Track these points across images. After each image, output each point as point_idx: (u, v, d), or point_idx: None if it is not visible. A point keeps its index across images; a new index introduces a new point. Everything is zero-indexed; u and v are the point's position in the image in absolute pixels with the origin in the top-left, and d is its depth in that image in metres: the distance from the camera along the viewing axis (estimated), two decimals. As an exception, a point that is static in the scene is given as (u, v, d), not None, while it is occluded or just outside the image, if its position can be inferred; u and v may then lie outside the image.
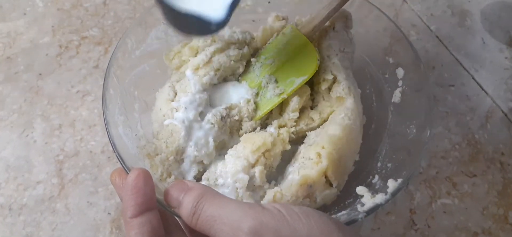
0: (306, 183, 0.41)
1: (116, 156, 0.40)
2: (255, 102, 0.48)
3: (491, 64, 0.67)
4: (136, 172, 0.33)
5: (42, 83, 0.61)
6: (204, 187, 0.34)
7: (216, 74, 0.48)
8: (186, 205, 0.32)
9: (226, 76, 0.51)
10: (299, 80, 0.48)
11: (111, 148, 0.42)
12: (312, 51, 0.48)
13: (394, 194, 0.39)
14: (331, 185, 0.43)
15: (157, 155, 0.44)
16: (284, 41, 0.50)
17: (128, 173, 0.34)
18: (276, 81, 0.49)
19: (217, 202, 0.31)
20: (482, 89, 0.64)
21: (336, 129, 0.44)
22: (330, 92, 0.48)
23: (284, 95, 0.48)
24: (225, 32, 0.51)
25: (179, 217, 0.34)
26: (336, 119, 0.45)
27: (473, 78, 0.65)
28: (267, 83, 0.49)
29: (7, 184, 0.53)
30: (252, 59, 0.51)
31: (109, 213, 0.51)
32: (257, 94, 0.49)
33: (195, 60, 0.49)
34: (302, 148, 0.45)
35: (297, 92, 0.48)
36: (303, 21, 0.52)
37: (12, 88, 0.61)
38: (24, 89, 0.61)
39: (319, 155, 0.42)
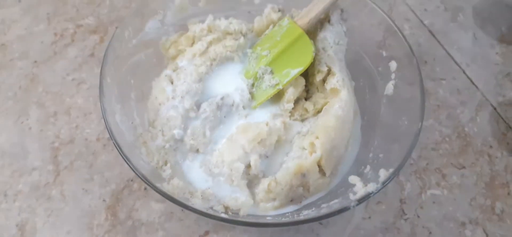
0: (300, 172, 0.42)
1: (113, 143, 0.41)
2: (250, 93, 0.49)
3: (482, 59, 0.68)
4: None
5: (37, 70, 0.61)
6: None
7: (212, 64, 0.49)
8: None
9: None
10: (295, 71, 0.49)
11: (108, 136, 0.42)
12: (308, 44, 0.49)
13: (385, 183, 0.40)
14: (324, 174, 0.43)
15: (153, 142, 0.45)
16: (280, 33, 0.51)
17: (126, 159, 0.34)
18: (271, 72, 0.50)
19: None
20: (473, 83, 0.65)
21: (330, 120, 0.45)
22: (325, 84, 0.49)
23: (280, 86, 0.49)
24: (222, 22, 0.51)
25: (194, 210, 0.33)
26: (330, 110, 0.46)
27: (464, 72, 0.66)
28: (263, 74, 0.49)
29: (2, 170, 0.53)
30: (248, 50, 0.51)
31: (104, 200, 0.51)
32: (252, 84, 0.50)
33: (192, 50, 0.49)
34: (296, 138, 0.46)
35: (292, 83, 0.49)
36: (299, 13, 0.53)
37: (7, 75, 0.61)
38: (19, 76, 0.61)
39: (313, 144, 0.43)
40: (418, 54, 0.67)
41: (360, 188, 0.41)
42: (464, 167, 0.56)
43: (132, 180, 0.52)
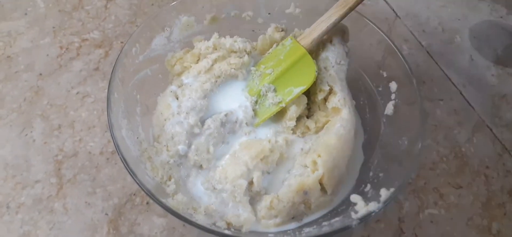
0: (302, 189, 0.43)
1: (120, 158, 0.41)
2: (254, 110, 0.50)
3: (478, 81, 0.69)
4: None
5: (42, 83, 0.62)
6: None
7: (216, 81, 0.50)
8: None
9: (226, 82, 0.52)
10: (298, 90, 0.50)
11: (111, 149, 0.42)
12: (311, 63, 0.50)
13: (386, 202, 0.41)
14: (326, 192, 0.44)
15: (158, 157, 0.45)
16: (284, 52, 0.52)
17: (132, 173, 0.35)
18: (275, 90, 0.51)
19: None
20: (470, 104, 0.66)
21: (332, 138, 0.46)
22: (326, 103, 0.50)
23: (283, 104, 0.50)
24: (227, 40, 0.53)
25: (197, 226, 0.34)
26: (332, 129, 0.47)
27: (461, 93, 0.67)
28: (266, 92, 0.50)
29: (5, 182, 0.53)
30: (252, 68, 0.53)
31: (106, 214, 0.51)
32: (256, 102, 0.51)
33: (197, 67, 0.50)
34: (297, 155, 0.47)
35: (294, 101, 0.50)
36: (301, 33, 0.54)
37: (12, 87, 0.61)
38: (24, 88, 0.61)
39: (315, 162, 0.44)
40: (416, 74, 0.68)
41: (361, 207, 0.41)
42: (461, 187, 0.57)
43: (134, 194, 0.53)
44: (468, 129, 0.63)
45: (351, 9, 0.49)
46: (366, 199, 0.42)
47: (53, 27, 0.69)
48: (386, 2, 0.79)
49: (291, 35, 0.54)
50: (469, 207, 0.56)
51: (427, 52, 0.73)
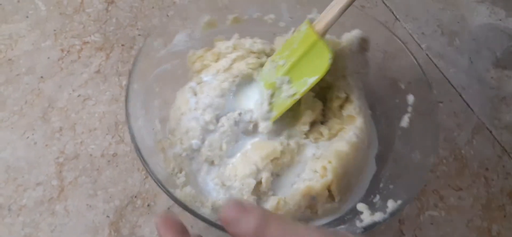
0: (309, 194, 0.43)
1: (134, 146, 0.42)
2: (270, 104, 0.49)
3: (478, 83, 0.70)
4: (163, 215, 0.34)
5: (43, 86, 0.62)
6: (265, 210, 0.32)
7: (234, 81, 0.50)
8: (246, 227, 0.30)
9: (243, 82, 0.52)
10: (311, 80, 0.47)
11: (113, 152, 0.42)
12: (324, 50, 0.46)
13: (392, 214, 0.41)
14: (333, 199, 0.44)
15: (171, 150, 0.46)
16: (298, 39, 0.49)
17: (144, 162, 0.38)
18: (289, 81, 0.48)
19: (282, 225, 0.30)
20: (469, 107, 0.67)
21: (344, 146, 0.45)
22: (342, 110, 0.50)
23: (297, 96, 0.47)
24: (247, 41, 0.53)
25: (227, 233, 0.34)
26: (345, 136, 0.47)
27: (461, 96, 0.68)
28: (281, 84, 0.49)
29: (6, 185, 0.53)
30: (268, 59, 0.51)
31: (107, 216, 0.52)
32: (272, 95, 0.49)
33: (216, 66, 0.51)
34: (309, 160, 0.47)
35: (309, 106, 0.50)
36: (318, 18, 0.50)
37: (13, 90, 0.62)
38: (25, 91, 0.62)
39: (324, 168, 0.44)
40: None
41: (367, 216, 0.41)
42: (461, 189, 0.58)
43: (135, 197, 0.53)
44: (467, 131, 0.64)
45: None
46: (373, 209, 0.42)
47: (54, 30, 0.69)
48: (385, 5, 0.80)
49: (307, 19, 0.51)
50: (469, 209, 0.56)
51: (427, 54, 0.73)
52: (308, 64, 0.47)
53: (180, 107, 0.49)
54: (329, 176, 0.43)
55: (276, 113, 0.49)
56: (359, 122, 0.48)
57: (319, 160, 0.45)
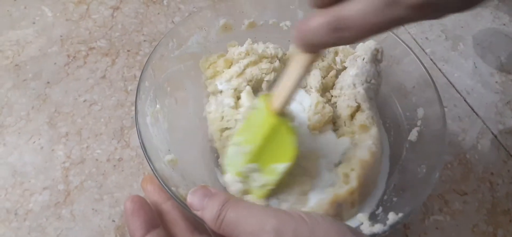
0: (336, 201, 0.42)
1: (140, 142, 0.42)
2: (244, 190, 0.44)
3: (482, 87, 0.70)
4: (131, 198, 0.37)
5: (49, 91, 0.63)
6: (227, 193, 0.36)
7: (248, 85, 0.51)
8: (210, 209, 0.34)
9: (257, 88, 0.53)
10: (281, 167, 0.42)
11: (119, 157, 0.42)
12: (287, 134, 0.41)
13: (392, 226, 0.40)
14: (353, 206, 0.44)
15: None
16: (257, 121, 0.43)
17: (149, 160, 0.39)
18: (258, 169, 0.43)
19: (241, 206, 0.34)
20: (474, 111, 0.67)
21: (365, 154, 0.45)
22: (353, 120, 0.50)
23: (270, 186, 0.43)
24: (259, 46, 0.54)
25: (201, 220, 0.36)
26: (364, 145, 0.46)
27: (465, 100, 0.68)
28: (250, 173, 0.43)
29: (13, 189, 0.54)
30: (231, 145, 0.45)
31: (113, 220, 0.52)
32: (243, 182, 0.44)
33: (229, 72, 0.51)
34: (324, 168, 0.46)
35: (319, 112, 0.49)
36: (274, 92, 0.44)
37: (20, 95, 0.62)
38: (32, 96, 0.62)
39: (346, 175, 0.44)
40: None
41: (366, 227, 0.41)
42: (466, 194, 0.57)
43: (141, 201, 0.53)
44: (472, 135, 0.63)
45: (311, 61, 0.38)
46: (374, 221, 0.42)
47: (61, 36, 0.70)
48: (389, 10, 0.80)
49: (262, 94, 0.47)
50: (474, 213, 0.56)
51: (431, 59, 0.73)
52: (274, 150, 0.42)
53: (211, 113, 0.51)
54: (354, 183, 0.43)
55: (255, 196, 0.44)
56: (373, 131, 0.48)
57: (339, 168, 0.45)
